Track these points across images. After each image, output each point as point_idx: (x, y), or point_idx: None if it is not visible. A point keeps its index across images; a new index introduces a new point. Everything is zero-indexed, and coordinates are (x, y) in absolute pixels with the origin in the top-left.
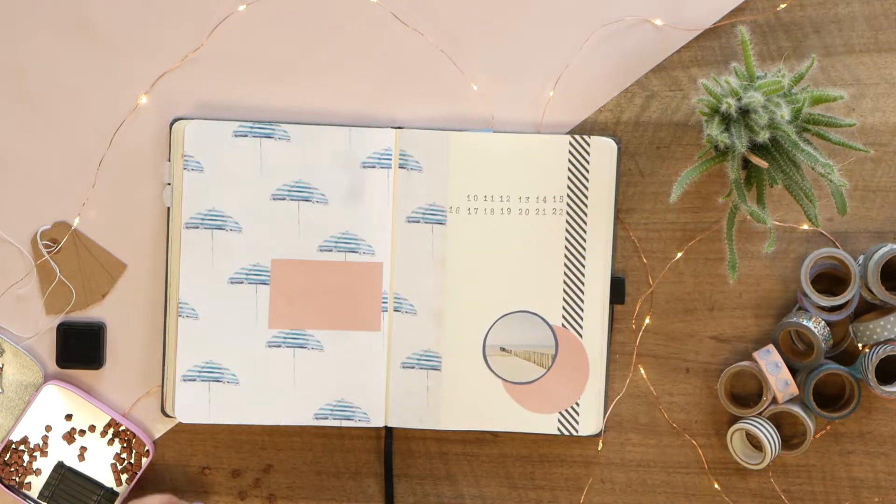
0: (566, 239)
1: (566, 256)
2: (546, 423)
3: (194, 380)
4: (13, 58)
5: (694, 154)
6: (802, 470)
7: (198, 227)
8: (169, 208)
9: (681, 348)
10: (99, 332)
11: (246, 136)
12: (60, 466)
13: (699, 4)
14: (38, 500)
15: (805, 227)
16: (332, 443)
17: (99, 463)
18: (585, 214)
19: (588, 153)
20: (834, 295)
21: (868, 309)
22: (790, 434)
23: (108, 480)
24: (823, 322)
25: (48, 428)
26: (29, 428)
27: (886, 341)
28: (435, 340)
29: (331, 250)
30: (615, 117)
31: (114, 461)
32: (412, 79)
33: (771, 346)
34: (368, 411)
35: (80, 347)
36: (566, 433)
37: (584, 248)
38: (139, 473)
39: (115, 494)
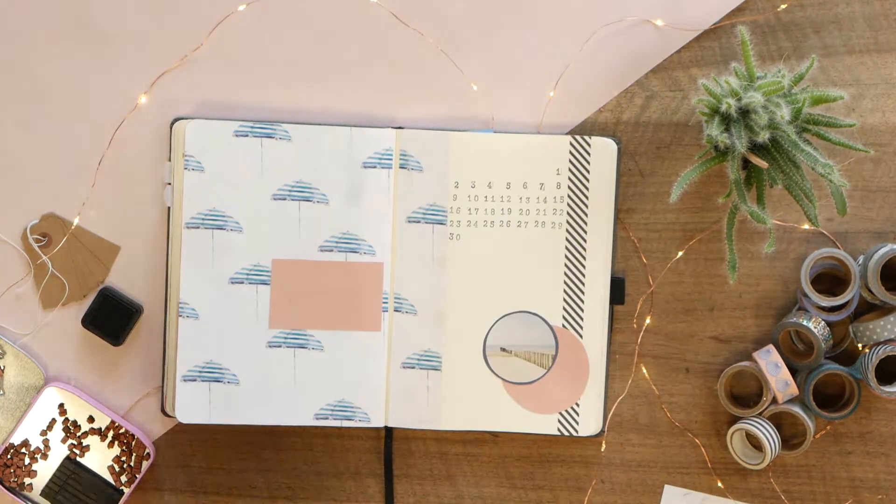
0: (566, 239)
1: (566, 257)
2: (546, 424)
3: (194, 380)
4: (13, 57)
5: (694, 154)
6: (802, 470)
7: (198, 227)
8: (169, 208)
9: (681, 348)
10: (135, 313)
11: (247, 135)
12: (69, 461)
13: (699, 4)
14: (41, 499)
15: (805, 227)
16: (332, 443)
17: (98, 465)
18: (586, 214)
19: (588, 153)
20: (834, 295)
21: (868, 309)
22: (790, 434)
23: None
24: (823, 322)
25: (49, 430)
26: (29, 430)
27: (886, 341)
28: (435, 340)
29: (331, 250)
30: (615, 117)
31: (112, 463)
32: (412, 79)
33: (771, 347)
34: (368, 411)
35: (111, 317)
36: (566, 433)
37: (584, 249)
38: (139, 476)
39: (120, 493)
